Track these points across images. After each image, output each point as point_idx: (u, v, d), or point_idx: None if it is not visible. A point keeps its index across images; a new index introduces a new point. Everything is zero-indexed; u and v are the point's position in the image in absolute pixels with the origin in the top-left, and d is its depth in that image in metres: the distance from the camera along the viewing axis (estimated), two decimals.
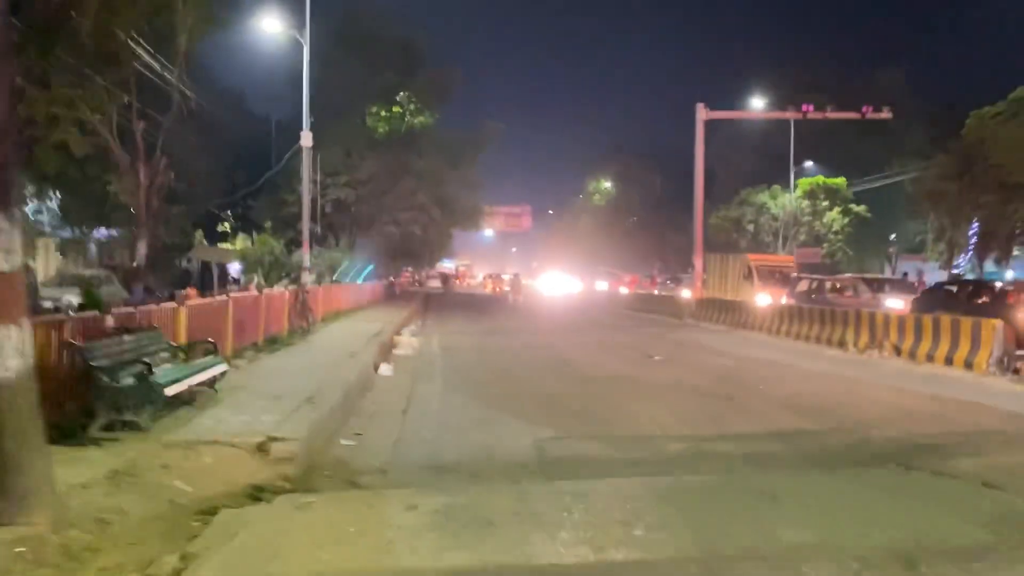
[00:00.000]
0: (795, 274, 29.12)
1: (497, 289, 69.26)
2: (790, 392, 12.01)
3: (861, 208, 51.08)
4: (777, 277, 28.55)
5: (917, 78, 72.92)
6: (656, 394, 11.81)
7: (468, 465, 7.62)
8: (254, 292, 16.72)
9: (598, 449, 8.35)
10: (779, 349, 18.98)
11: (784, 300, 25.21)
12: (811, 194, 51.33)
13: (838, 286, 23.91)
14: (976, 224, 47.65)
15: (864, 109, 29.23)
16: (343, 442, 8.79)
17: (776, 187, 52.24)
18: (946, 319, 14.88)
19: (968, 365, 13.82)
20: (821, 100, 34.54)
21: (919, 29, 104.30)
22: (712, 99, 30.84)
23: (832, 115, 29.33)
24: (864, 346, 17.40)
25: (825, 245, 50.67)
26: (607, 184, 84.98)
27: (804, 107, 28.97)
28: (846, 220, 51.24)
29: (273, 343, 16.22)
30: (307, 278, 23.60)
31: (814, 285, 24.53)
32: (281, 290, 18.58)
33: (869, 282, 24.01)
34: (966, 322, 14.22)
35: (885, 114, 29.24)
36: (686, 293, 33.93)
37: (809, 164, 52.96)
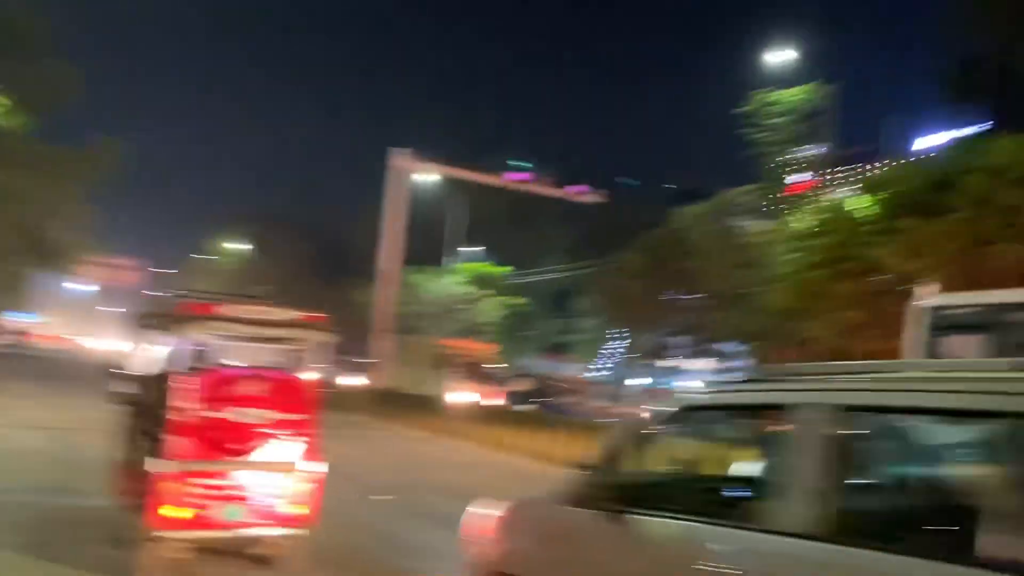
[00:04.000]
0: (490, 367, 24.47)
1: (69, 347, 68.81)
2: None
3: (520, 300, 49.40)
4: (478, 370, 23.60)
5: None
6: None
7: None
8: None
9: None
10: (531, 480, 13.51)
11: (498, 400, 20.21)
12: (474, 280, 48.47)
13: (564, 386, 19.49)
14: (618, 330, 48.42)
15: (569, 188, 26.17)
16: None
17: (435, 268, 48.57)
18: None
19: None
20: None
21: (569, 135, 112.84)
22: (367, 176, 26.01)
23: (536, 190, 25.85)
24: None
25: (481, 336, 47.84)
26: (239, 245, 75.37)
27: (516, 176, 25.07)
28: (503, 312, 49.13)
29: None
30: None
31: (535, 385, 19.84)
32: None
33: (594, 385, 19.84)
34: None
35: (589, 198, 26.47)
36: (350, 381, 27.60)
37: (472, 249, 50.39)
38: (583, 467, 4.06)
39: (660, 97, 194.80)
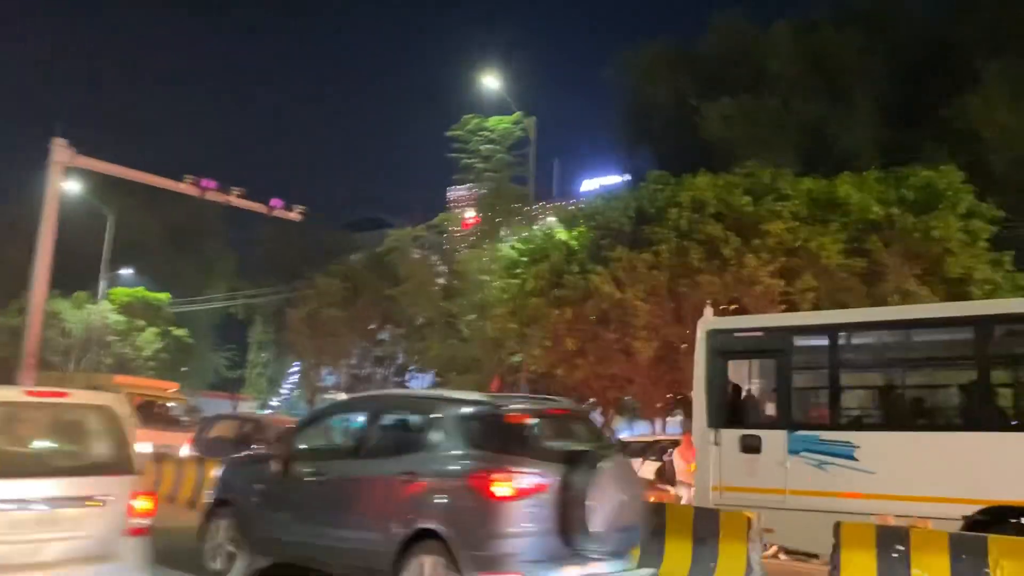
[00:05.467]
0: (173, 405, 20.54)
1: None
2: None
3: (183, 331, 43.96)
4: (157, 411, 19.55)
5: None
6: None
7: None
8: None
9: None
10: None
11: (186, 449, 16.76)
12: (128, 308, 42.13)
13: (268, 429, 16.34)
14: (298, 363, 45.36)
15: (273, 202, 23.28)
16: None
17: (81, 294, 41.37)
18: None
19: None
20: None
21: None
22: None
23: (237, 202, 22.52)
24: None
25: (136, 372, 41.58)
26: None
27: (204, 182, 21.53)
28: (161, 344, 43.31)
29: None
30: None
31: (239, 429, 16.54)
32: None
33: None
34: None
35: (294, 214, 23.81)
36: None
37: (127, 272, 43.84)
38: None
39: (363, 119, 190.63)
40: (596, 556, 6.49)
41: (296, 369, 44.35)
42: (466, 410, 6.97)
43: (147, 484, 6.05)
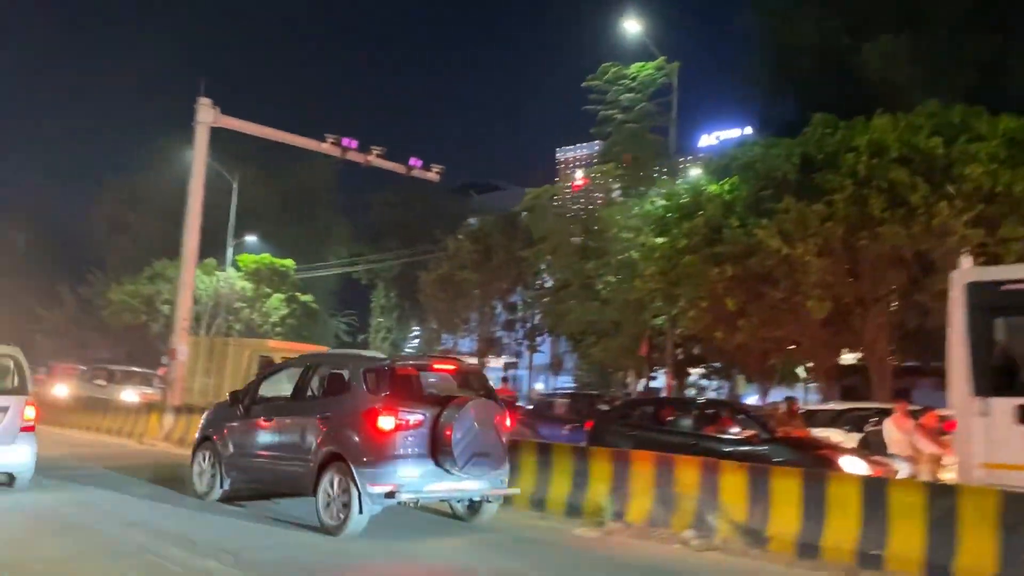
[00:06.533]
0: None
1: None
2: None
3: (308, 297, 44.34)
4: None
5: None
6: None
7: None
8: None
9: None
10: None
11: None
12: (255, 275, 42.69)
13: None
14: (418, 328, 45.16)
15: (412, 162, 22.53)
16: None
17: (211, 261, 42.13)
18: None
19: None
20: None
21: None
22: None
23: (377, 162, 21.87)
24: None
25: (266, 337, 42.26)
26: None
27: (346, 141, 20.92)
28: (288, 310, 43.85)
29: None
30: None
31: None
32: None
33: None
34: None
35: (432, 174, 23.04)
36: (129, 395, 22.05)
37: (251, 239, 44.36)
38: None
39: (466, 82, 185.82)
40: (464, 476, 8.31)
41: (417, 334, 44.24)
42: (367, 365, 8.87)
43: (33, 400, 9.69)
